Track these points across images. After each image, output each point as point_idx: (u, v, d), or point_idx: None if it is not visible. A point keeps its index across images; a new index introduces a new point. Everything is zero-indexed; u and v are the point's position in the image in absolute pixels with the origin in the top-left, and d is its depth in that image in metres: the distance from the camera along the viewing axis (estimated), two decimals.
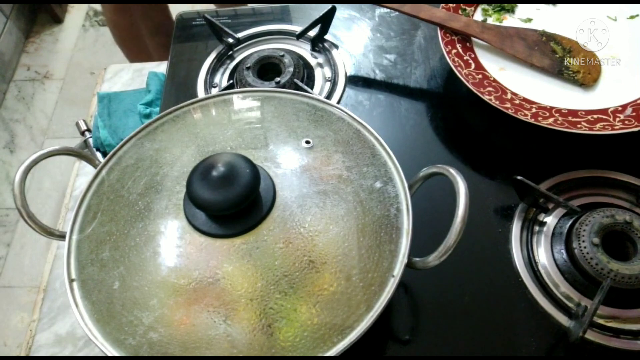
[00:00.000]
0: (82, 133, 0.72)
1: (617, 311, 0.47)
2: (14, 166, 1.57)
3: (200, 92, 0.68)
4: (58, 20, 1.89)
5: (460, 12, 0.67)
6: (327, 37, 0.70)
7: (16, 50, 1.79)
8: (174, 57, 0.73)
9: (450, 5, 0.67)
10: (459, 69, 0.60)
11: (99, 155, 0.70)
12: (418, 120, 0.63)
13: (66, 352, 0.58)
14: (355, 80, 0.67)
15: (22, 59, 1.81)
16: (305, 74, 0.67)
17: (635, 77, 0.59)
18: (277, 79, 0.64)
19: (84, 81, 1.72)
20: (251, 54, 0.69)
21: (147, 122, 0.49)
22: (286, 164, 0.44)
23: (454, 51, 0.62)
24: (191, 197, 0.39)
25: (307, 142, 0.46)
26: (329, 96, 0.66)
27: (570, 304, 0.48)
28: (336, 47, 0.71)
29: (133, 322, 0.38)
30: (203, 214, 0.40)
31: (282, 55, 0.67)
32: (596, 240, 0.48)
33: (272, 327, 0.37)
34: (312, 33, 0.70)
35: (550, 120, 0.55)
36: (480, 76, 0.61)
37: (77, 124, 0.73)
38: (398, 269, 0.39)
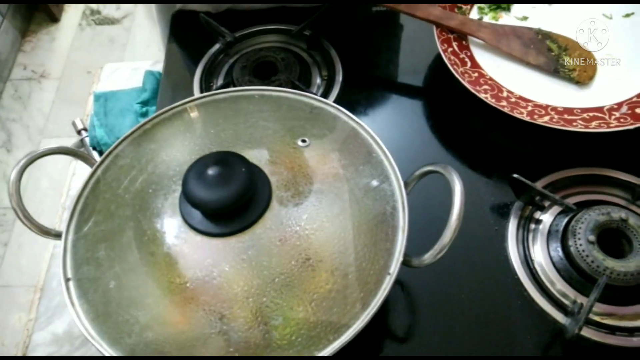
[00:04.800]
0: (79, 132, 0.72)
1: (612, 308, 0.48)
2: (11, 165, 1.56)
3: (196, 91, 0.68)
4: (54, 19, 1.89)
5: (456, 10, 0.67)
6: (323, 35, 0.70)
7: (13, 49, 1.79)
8: (170, 56, 0.73)
9: (447, 3, 0.67)
10: (455, 67, 0.60)
11: (95, 154, 0.70)
12: (414, 118, 0.63)
13: (63, 352, 0.58)
14: (351, 79, 0.67)
15: (19, 58, 1.80)
16: (301, 73, 0.66)
17: (631, 75, 0.59)
18: (273, 78, 0.64)
19: (81, 80, 1.71)
20: (247, 53, 0.69)
21: (143, 121, 0.49)
22: (282, 163, 0.44)
23: (450, 49, 0.62)
24: (187, 196, 0.39)
25: (303, 140, 0.46)
26: (325, 95, 0.66)
27: (566, 302, 0.48)
28: (332, 45, 0.70)
29: (129, 321, 0.38)
30: (199, 212, 0.40)
31: (279, 54, 0.67)
32: (592, 237, 0.48)
33: (268, 326, 0.37)
34: (309, 32, 0.70)
35: (546, 118, 0.55)
36: (476, 74, 0.61)
37: (74, 123, 0.73)
38: (394, 267, 0.39)
